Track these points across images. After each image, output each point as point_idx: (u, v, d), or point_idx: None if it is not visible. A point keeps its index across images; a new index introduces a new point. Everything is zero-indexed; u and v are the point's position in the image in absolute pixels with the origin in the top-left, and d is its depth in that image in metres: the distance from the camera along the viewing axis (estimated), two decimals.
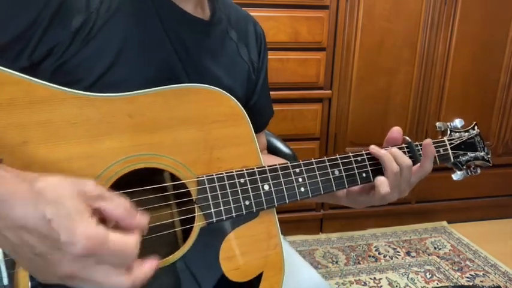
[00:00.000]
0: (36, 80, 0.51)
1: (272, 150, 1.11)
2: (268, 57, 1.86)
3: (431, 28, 1.94)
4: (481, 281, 1.81)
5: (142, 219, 0.44)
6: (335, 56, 1.90)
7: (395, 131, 0.75)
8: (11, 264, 0.48)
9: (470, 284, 1.79)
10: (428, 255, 1.99)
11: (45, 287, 0.49)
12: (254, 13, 1.69)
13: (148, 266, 0.44)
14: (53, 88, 0.52)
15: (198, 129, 0.61)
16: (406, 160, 0.70)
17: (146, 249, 0.60)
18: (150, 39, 0.64)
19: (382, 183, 0.69)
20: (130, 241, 0.42)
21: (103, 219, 0.42)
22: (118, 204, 0.43)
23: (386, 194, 0.69)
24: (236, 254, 0.62)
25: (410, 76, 2.00)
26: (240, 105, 0.65)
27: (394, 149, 0.71)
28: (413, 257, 1.98)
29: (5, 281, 0.48)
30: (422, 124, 2.08)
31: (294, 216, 2.05)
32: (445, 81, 2.05)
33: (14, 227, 0.39)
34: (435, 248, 2.05)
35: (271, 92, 2.04)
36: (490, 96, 2.12)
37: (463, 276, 1.85)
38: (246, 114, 0.65)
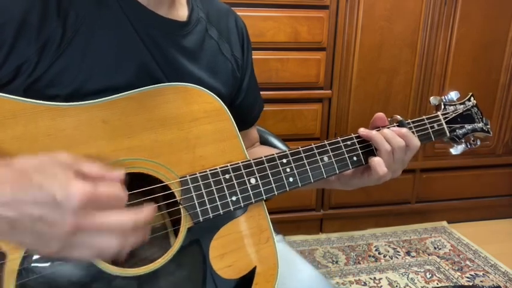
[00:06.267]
0: (5, 95, 0.51)
1: None
2: (268, 57, 1.87)
3: (431, 28, 1.94)
4: (481, 281, 1.81)
5: (118, 172, 0.46)
6: (335, 56, 1.90)
7: (378, 119, 0.74)
8: None
9: (470, 284, 1.79)
10: (428, 255, 1.99)
11: None
12: (254, 13, 1.70)
13: (147, 209, 0.46)
14: (23, 102, 0.52)
15: (178, 128, 0.60)
16: (399, 141, 0.70)
17: (141, 253, 0.59)
18: (124, 45, 0.62)
19: (378, 163, 0.69)
20: (116, 187, 0.44)
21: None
22: (93, 166, 0.45)
23: (384, 174, 0.69)
24: (227, 251, 0.61)
25: (410, 76, 2.00)
26: (220, 100, 0.64)
27: (386, 130, 0.71)
28: (413, 257, 1.98)
29: None
30: None
31: (294, 216, 2.05)
32: (445, 81, 2.05)
33: (6, 202, 0.40)
34: (435, 248, 2.05)
35: (271, 92, 2.05)
36: (490, 96, 2.12)
37: (463, 276, 1.85)
38: (227, 109, 0.64)
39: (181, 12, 0.72)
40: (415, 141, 0.71)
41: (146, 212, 0.46)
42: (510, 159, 2.25)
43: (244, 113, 0.84)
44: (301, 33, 1.81)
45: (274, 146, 1.13)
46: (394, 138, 0.70)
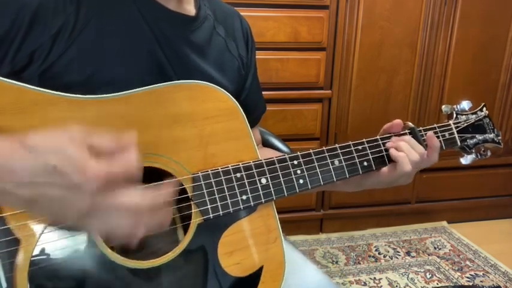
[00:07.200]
0: (25, 85, 0.51)
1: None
2: (268, 57, 1.88)
3: (431, 28, 1.94)
4: (481, 281, 1.81)
5: (130, 137, 0.46)
6: (335, 56, 1.90)
7: (396, 126, 0.75)
8: (9, 268, 0.49)
9: (470, 284, 1.79)
10: (428, 255, 1.99)
11: None
12: (254, 13, 1.70)
13: (165, 186, 0.47)
14: (43, 93, 0.52)
15: (192, 125, 0.61)
16: (420, 148, 0.71)
17: (148, 247, 0.60)
18: (135, 37, 0.63)
19: (404, 159, 0.69)
20: (130, 158, 0.45)
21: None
22: (104, 137, 0.45)
23: (408, 171, 0.70)
24: (235, 248, 0.62)
25: (410, 76, 2.00)
26: (234, 99, 0.64)
27: (408, 138, 0.72)
28: (413, 257, 1.98)
29: (4, 285, 0.48)
30: (423, 124, 2.06)
31: (294, 216, 2.05)
32: (445, 81, 2.05)
33: (25, 183, 0.41)
34: (435, 248, 2.05)
35: (271, 92, 2.05)
36: (490, 96, 2.12)
37: (463, 276, 1.85)
38: (240, 108, 0.65)
39: (189, 8, 0.73)
40: (434, 157, 0.73)
41: (164, 190, 0.46)
42: (510, 159, 2.25)
43: (247, 112, 0.84)
44: (301, 33, 1.81)
45: (275, 147, 1.13)
46: (417, 147, 0.71)
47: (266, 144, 1.07)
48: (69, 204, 0.42)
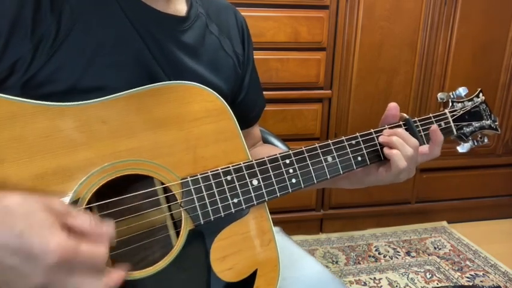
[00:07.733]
0: (3, 95, 0.50)
1: None
2: (268, 57, 1.87)
3: (431, 28, 1.94)
4: (481, 281, 1.81)
5: (108, 229, 0.46)
6: (335, 56, 1.89)
7: (393, 108, 0.72)
8: None
9: (470, 284, 1.79)
10: (428, 255, 1.99)
11: None
12: (254, 13, 1.71)
13: (116, 275, 0.46)
14: (21, 102, 0.50)
15: (179, 128, 0.58)
16: (413, 141, 0.68)
17: (142, 255, 0.59)
18: (121, 41, 0.61)
19: (397, 157, 0.67)
20: (99, 250, 0.44)
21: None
22: (84, 220, 0.45)
23: (404, 167, 0.67)
24: (228, 253, 0.60)
25: (410, 76, 2.00)
26: (222, 99, 0.62)
27: (401, 131, 0.69)
28: (413, 257, 1.98)
29: None
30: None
31: (294, 216, 2.05)
32: (445, 81, 2.05)
33: None
34: (435, 248, 2.05)
35: (271, 92, 2.05)
36: (490, 96, 2.12)
37: (463, 276, 1.85)
38: (229, 108, 0.62)
39: (180, 7, 0.70)
40: (436, 151, 0.70)
41: (117, 276, 0.46)
42: (510, 159, 2.25)
43: (246, 111, 0.82)
44: (301, 33, 1.81)
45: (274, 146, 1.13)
46: (409, 140, 0.69)
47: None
48: (21, 275, 0.40)
